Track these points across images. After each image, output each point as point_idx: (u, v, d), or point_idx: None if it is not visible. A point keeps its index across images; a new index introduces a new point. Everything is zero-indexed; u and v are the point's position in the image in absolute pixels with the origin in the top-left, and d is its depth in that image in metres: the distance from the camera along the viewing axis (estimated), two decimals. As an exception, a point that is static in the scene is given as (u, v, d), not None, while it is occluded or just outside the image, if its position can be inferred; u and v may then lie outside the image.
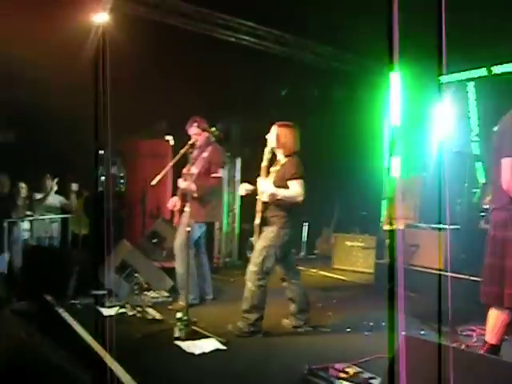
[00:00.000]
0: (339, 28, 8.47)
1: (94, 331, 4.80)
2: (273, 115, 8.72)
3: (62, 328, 5.21)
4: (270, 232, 4.89)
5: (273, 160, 5.09)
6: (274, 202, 4.87)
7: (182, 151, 5.43)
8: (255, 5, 8.10)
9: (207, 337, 4.64)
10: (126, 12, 7.80)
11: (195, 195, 5.54)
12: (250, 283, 4.83)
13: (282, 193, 4.81)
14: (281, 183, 4.83)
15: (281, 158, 5.01)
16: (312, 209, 10.13)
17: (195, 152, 5.82)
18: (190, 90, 8.58)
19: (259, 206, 4.97)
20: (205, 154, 5.62)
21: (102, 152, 8.75)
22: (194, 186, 5.52)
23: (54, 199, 8.24)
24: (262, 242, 4.88)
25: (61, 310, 5.60)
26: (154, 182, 5.32)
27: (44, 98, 7.70)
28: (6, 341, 4.23)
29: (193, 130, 5.87)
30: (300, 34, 9.41)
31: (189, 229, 5.01)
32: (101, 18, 7.46)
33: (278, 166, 4.97)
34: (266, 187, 4.86)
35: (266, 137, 5.06)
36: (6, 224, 6.94)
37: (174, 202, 5.96)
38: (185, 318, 4.66)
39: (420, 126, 9.25)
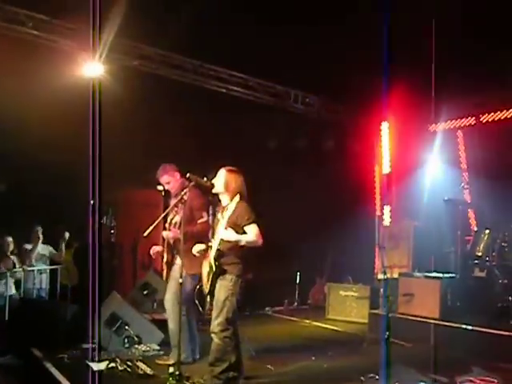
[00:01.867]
0: (330, 78, 8.61)
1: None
2: (262, 166, 8.90)
3: (50, 382, 5.07)
4: (228, 281, 4.77)
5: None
6: (230, 250, 4.78)
7: (175, 202, 5.34)
8: (245, 56, 8.25)
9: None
10: (120, 64, 7.91)
11: (179, 245, 5.28)
12: (215, 336, 4.72)
13: (245, 238, 4.72)
14: (235, 229, 4.74)
15: (227, 203, 4.88)
16: (304, 258, 10.12)
17: (173, 200, 5.67)
18: (181, 141, 8.64)
19: (213, 254, 4.80)
20: (183, 201, 5.20)
21: (92, 202, 8.71)
22: (178, 234, 5.35)
23: (44, 250, 8.13)
24: (222, 292, 4.75)
25: (48, 365, 5.46)
26: (145, 234, 5.23)
27: (35, 148, 7.69)
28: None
29: (164, 179, 5.77)
30: (290, 85, 9.57)
31: (181, 281, 4.91)
32: (94, 69, 7.50)
33: (228, 212, 4.82)
34: (228, 234, 4.71)
35: (213, 181, 4.98)
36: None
37: (154, 250, 5.77)
38: (177, 372, 4.54)
39: (411, 174, 9.31)
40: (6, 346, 6.41)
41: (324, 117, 10.20)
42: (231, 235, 4.70)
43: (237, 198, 4.81)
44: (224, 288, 4.76)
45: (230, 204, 4.83)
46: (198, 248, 4.96)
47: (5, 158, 7.94)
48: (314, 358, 5.90)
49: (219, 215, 4.94)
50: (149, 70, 8.19)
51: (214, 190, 4.97)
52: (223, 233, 4.73)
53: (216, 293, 4.80)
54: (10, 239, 7.60)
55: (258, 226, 4.79)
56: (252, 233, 4.74)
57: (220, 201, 5.01)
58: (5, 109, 7.19)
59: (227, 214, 4.78)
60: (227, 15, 7.59)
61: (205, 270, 4.94)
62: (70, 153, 7.90)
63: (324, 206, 9.64)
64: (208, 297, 4.98)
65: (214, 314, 4.78)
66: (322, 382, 5.09)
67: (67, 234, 8.36)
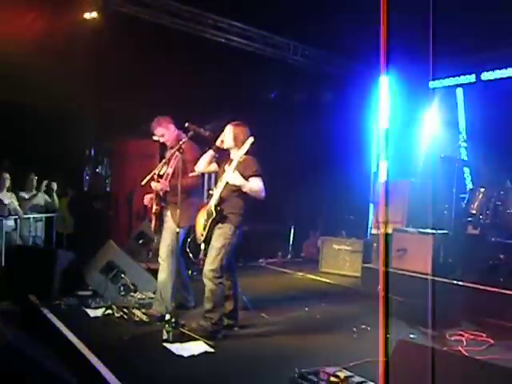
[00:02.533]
0: (330, 31, 8.48)
1: (79, 332, 4.74)
2: (260, 118, 8.84)
3: (47, 329, 5.14)
4: (227, 229, 4.85)
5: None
6: (232, 198, 4.86)
7: (173, 151, 5.32)
8: (245, 6, 8.08)
9: (195, 339, 4.60)
10: (118, 10, 7.75)
11: (170, 196, 5.39)
12: (210, 282, 4.79)
13: (249, 185, 4.78)
14: None
15: (236, 156, 4.85)
16: (298, 212, 10.18)
17: (168, 152, 5.64)
18: (178, 91, 8.55)
19: (215, 201, 4.87)
20: (178, 153, 5.20)
21: (88, 152, 8.69)
22: (165, 185, 5.39)
23: (40, 198, 8.15)
24: (220, 239, 4.83)
25: (46, 311, 5.52)
26: (143, 183, 5.22)
27: (32, 97, 7.60)
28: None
29: (158, 131, 5.68)
30: (290, 37, 9.43)
31: (178, 230, 4.95)
32: (92, 15, 7.37)
33: (234, 162, 4.83)
34: (235, 178, 4.75)
35: (221, 137, 5.02)
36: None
37: (147, 198, 5.69)
38: (173, 320, 4.61)
39: (409, 130, 9.27)
40: (4, 292, 6.52)
41: (323, 70, 10.10)
42: (238, 178, 4.73)
43: (246, 148, 4.78)
44: (222, 235, 4.84)
45: (239, 154, 4.80)
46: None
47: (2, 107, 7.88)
48: (307, 309, 6.01)
49: (226, 166, 4.97)
50: (148, 18, 8.03)
51: (224, 146, 5.01)
52: (230, 175, 4.76)
53: (213, 240, 4.87)
54: (7, 175, 7.57)
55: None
56: (257, 183, 4.81)
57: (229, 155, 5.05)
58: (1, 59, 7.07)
59: (234, 163, 4.80)
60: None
61: (201, 219, 5.00)
62: (67, 101, 7.84)
63: (320, 159, 9.64)
64: (202, 245, 4.96)
65: (208, 260, 4.85)
66: (315, 331, 5.17)
67: (54, 185, 8.30)
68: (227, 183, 4.81)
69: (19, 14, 7.13)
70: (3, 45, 6.84)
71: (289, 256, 10.30)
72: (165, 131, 5.65)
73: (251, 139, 4.81)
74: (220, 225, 4.87)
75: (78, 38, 7.61)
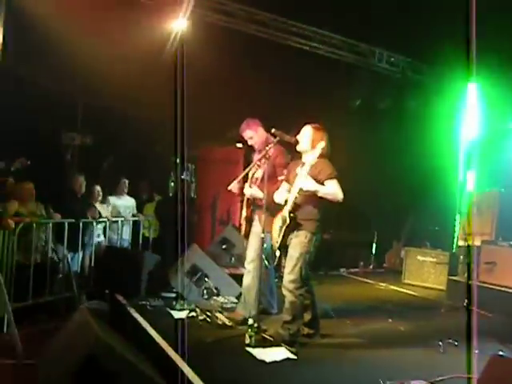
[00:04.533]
0: (415, 37, 8.33)
1: (165, 333, 4.84)
2: (345, 124, 8.78)
3: (134, 328, 5.30)
4: (303, 237, 4.71)
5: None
6: (307, 204, 4.73)
7: (259, 157, 5.28)
8: (330, 14, 8.07)
9: (277, 345, 4.60)
10: (204, 19, 7.92)
11: (261, 202, 5.27)
12: (290, 293, 4.69)
13: (324, 190, 4.64)
14: None
15: (310, 160, 4.68)
16: (382, 221, 10.01)
17: (256, 156, 5.61)
18: (262, 98, 8.62)
19: (289, 207, 4.72)
20: (264, 157, 5.13)
21: (174, 158, 8.90)
22: (259, 192, 5.35)
23: (128, 202, 8.42)
24: (297, 248, 4.70)
25: (132, 311, 5.69)
26: (230, 187, 5.30)
27: (122, 103, 7.88)
28: (81, 338, 4.32)
29: (247, 134, 5.66)
30: (375, 44, 9.33)
31: (263, 235, 4.93)
32: (179, 24, 7.56)
33: (307, 166, 4.66)
34: (308, 183, 4.61)
35: (297, 138, 4.88)
36: (81, 224, 7.11)
37: (236, 186, 5.60)
38: (255, 325, 4.64)
39: (499, 139, 8.91)
40: (94, 291, 6.80)
41: (409, 77, 9.91)
42: (311, 184, 4.62)
43: (318, 152, 4.66)
44: (298, 244, 4.72)
45: (311, 158, 4.68)
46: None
47: (93, 112, 8.22)
48: (390, 321, 5.88)
49: (298, 169, 4.82)
50: (232, 27, 8.17)
51: (298, 148, 4.90)
52: (303, 181, 4.62)
53: (290, 249, 4.77)
54: (98, 188, 7.88)
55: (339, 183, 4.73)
56: (333, 187, 4.68)
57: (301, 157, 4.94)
58: (92, 65, 7.38)
59: (307, 167, 4.66)
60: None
61: (276, 224, 4.91)
62: (155, 109, 8.08)
63: (405, 168, 9.44)
64: (277, 252, 4.87)
65: (286, 270, 4.75)
66: (398, 344, 5.04)
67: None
68: (301, 189, 4.67)
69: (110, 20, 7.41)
70: (95, 50, 7.17)
71: (371, 266, 10.14)
72: (254, 134, 5.64)
73: (323, 143, 4.67)
74: (296, 232, 4.75)
75: (166, 46, 7.85)
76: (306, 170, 4.64)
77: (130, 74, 7.69)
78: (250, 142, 5.72)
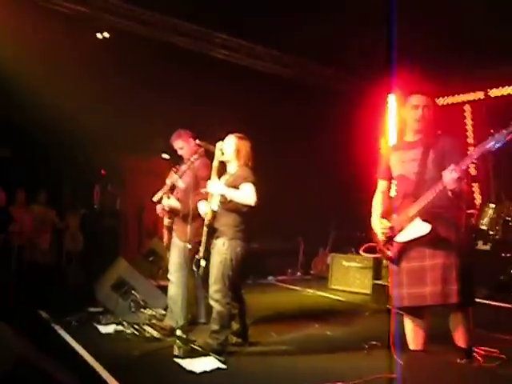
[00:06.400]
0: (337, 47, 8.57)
1: (92, 348, 4.75)
2: (270, 134, 8.91)
3: (59, 344, 5.15)
4: (221, 245, 4.71)
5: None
6: (224, 212, 4.74)
7: (185, 169, 5.33)
8: (251, 23, 8.17)
9: (206, 355, 4.59)
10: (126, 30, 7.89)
11: (180, 212, 5.38)
12: (216, 304, 4.67)
13: (232, 193, 4.64)
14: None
15: (232, 169, 4.86)
16: (307, 229, 10.18)
17: (182, 167, 5.59)
18: (186, 108, 8.62)
19: (207, 216, 4.76)
20: (189, 168, 5.27)
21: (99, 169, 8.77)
22: (176, 203, 5.40)
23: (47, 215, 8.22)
24: (217, 256, 4.70)
25: (57, 327, 5.54)
26: (155, 199, 5.26)
27: (44, 114, 7.68)
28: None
29: (178, 144, 5.66)
30: (299, 54, 9.53)
31: (189, 246, 4.94)
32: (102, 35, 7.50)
33: (228, 176, 4.83)
34: (215, 187, 4.68)
35: (220, 147, 4.87)
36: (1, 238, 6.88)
37: (160, 209, 5.59)
38: (183, 335, 4.62)
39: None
40: (14, 307, 6.55)
41: (330, 86, 10.19)
42: (219, 188, 4.66)
43: (239, 162, 4.78)
44: (217, 252, 4.71)
45: (233, 169, 4.81)
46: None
47: (13, 123, 7.97)
48: (317, 326, 5.96)
49: (222, 179, 4.87)
50: (156, 37, 8.17)
51: (222, 158, 4.90)
52: (212, 185, 4.70)
53: (211, 258, 4.74)
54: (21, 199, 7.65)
55: (256, 189, 4.70)
56: (245, 190, 4.66)
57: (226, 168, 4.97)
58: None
59: (226, 177, 4.77)
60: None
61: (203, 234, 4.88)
62: (78, 119, 7.93)
63: (328, 176, 9.67)
64: (202, 261, 4.75)
65: (210, 280, 4.73)
66: (325, 348, 5.13)
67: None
68: (219, 196, 4.71)
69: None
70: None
71: (298, 273, 10.30)
72: (184, 144, 5.62)
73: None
74: (215, 241, 4.76)
75: (89, 57, 7.74)
76: (223, 181, 4.73)
77: (54, 84, 7.52)
78: (179, 152, 5.71)
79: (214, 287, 4.68)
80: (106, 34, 8.13)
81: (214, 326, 4.70)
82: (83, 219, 8.81)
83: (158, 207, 5.64)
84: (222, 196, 4.71)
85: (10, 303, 6.80)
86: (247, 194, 4.65)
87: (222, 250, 4.69)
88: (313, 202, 9.80)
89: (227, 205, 4.73)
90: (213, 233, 4.76)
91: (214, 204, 4.76)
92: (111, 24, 7.87)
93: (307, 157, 9.72)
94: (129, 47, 8.12)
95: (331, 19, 7.78)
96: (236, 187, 4.69)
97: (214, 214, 4.76)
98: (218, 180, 4.76)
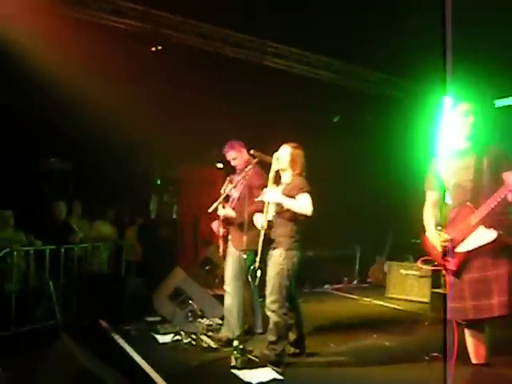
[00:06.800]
0: (391, 53, 8.44)
1: (150, 358, 4.80)
2: (323, 142, 8.85)
3: (118, 354, 5.24)
4: (278, 256, 4.70)
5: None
6: (281, 222, 4.72)
7: (240, 178, 5.36)
8: (304, 32, 8.14)
9: (263, 366, 4.58)
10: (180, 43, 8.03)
11: (235, 222, 5.42)
12: (273, 314, 4.65)
13: (290, 202, 4.62)
14: None
15: (287, 178, 4.86)
16: (364, 236, 10.05)
17: (236, 176, 5.65)
18: (240, 118, 8.67)
19: (265, 224, 4.71)
20: (243, 178, 5.27)
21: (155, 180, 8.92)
22: (232, 212, 5.43)
23: (107, 227, 8.38)
24: (274, 267, 4.69)
25: (116, 336, 5.64)
26: (210, 210, 5.30)
27: (100, 127, 7.88)
28: (63, 365, 4.26)
29: (231, 155, 5.70)
30: (350, 61, 9.45)
31: (245, 256, 4.96)
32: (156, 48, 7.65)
33: (284, 186, 4.82)
34: (273, 196, 4.66)
35: (276, 157, 4.87)
36: (62, 250, 7.04)
37: (216, 225, 5.72)
38: (240, 346, 4.62)
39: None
40: (75, 317, 6.71)
41: (385, 93, 10.07)
42: (277, 197, 4.65)
43: (294, 172, 4.79)
44: (274, 263, 4.71)
45: (288, 179, 4.82)
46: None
47: (73, 138, 8.21)
48: (375, 336, 5.87)
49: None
50: (211, 49, 8.27)
51: (276, 167, 4.90)
52: (270, 194, 4.68)
53: (268, 269, 4.75)
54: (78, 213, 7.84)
55: (312, 199, 4.68)
56: (302, 200, 4.65)
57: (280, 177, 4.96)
58: (70, 90, 7.38)
59: (282, 187, 4.77)
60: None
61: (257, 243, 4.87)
62: (134, 131, 8.09)
63: (385, 183, 9.53)
64: (258, 271, 4.73)
65: (267, 291, 4.73)
66: (384, 359, 5.04)
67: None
68: (272, 205, 4.71)
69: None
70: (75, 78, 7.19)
71: (355, 281, 10.17)
72: (238, 155, 5.66)
73: (294, 173, 4.80)
74: (272, 251, 4.76)
75: (143, 70, 7.89)
76: (280, 188, 4.73)
77: (108, 96, 7.70)
78: (233, 163, 5.75)
79: (271, 298, 4.67)
80: (159, 47, 8.27)
81: (271, 337, 4.68)
82: (141, 230, 8.95)
83: (214, 224, 5.69)
84: (278, 205, 4.71)
85: (71, 314, 6.98)
86: (304, 204, 4.64)
87: (279, 260, 4.67)
88: (369, 208, 9.67)
89: (283, 214, 4.73)
90: (269, 243, 4.75)
91: (270, 214, 4.75)
92: (166, 37, 8.00)
93: (363, 163, 9.59)
94: (182, 59, 8.23)
95: (385, 23, 7.67)
96: (292, 197, 4.68)
97: (270, 224, 4.75)
98: (275, 189, 4.76)
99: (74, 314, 6.95)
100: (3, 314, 6.13)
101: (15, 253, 6.42)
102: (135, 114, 8.00)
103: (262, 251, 4.75)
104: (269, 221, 4.74)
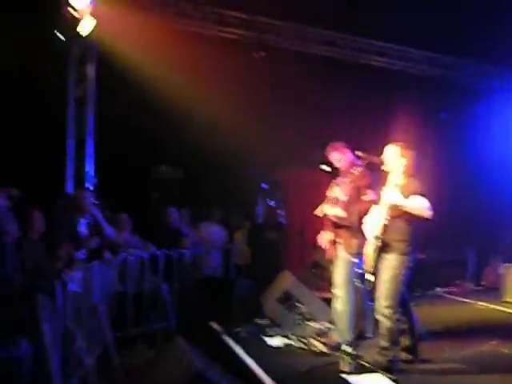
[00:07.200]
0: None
1: (260, 360, 4.86)
2: (431, 140, 8.58)
3: (229, 355, 5.35)
4: (391, 260, 4.59)
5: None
6: (396, 225, 4.59)
7: (346, 178, 5.32)
8: (408, 28, 7.97)
9: (374, 372, 4.51)
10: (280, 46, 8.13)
11: (345, 223, 5.28)
12: (385, 319, 4.55)
13: (411, 204, 4.48)
14: None
15: (396, 180, 4.69)
16: (478, 237, 9.65)
17: (341, 178, 5.58)
18: (344, 119, 8.61)
19: (378, 230, 4.62)
20: (350, 179, 5.24)
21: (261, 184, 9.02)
22: (342, 212, 5.31)
23: (218, 230, 8.58)
24: (388, 271, 4.58)
25: (227, 338, 5.75)
26: (317, 213, 5.30)
27: (208, 134, 8.11)
28: (178, 370, 4.41)
29: (335, 156, 5.60)
30: (459, 55, 9.12)
31: (355, 260, 4.91)
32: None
33: (394, 187, 4.64)
34: (393, 197, 4.53)
35: (383, 157, 4.80)
36: (174, 254, 7.29)
37: (325, 239, 5.56)
38: (351, 351, 4.58)
39: None
40: (187, 320, 6.94)
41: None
42: (397, 198, 4.52)
43: (404, 173, 4.66)
44: (389, 267, 4.61)
45: (398, 181, 4.68)
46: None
47: (184, 146, 8.53)
48: (494, 343, 5.59)
49: (384, 189, 4.78)
50: (307, 51, 8.30)
51: (384, 167, 4.83)
52: (390, 195, 4.57)
53: (381, 273, 4.65)
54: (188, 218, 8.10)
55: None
56: (419, 201, 4.51)
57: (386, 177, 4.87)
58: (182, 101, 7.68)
59: (393, 186, 4.64)
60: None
61: (368, 247, 4.81)
62: (239, 137, 8.26)
63: (500, 183, 9.10)
64: (371, 276, 4.73)
65: (379, 295, 4.64)
66: (502, 368, 4.80)
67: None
68: (388, 208, 4.59)
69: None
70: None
71: (468, 284, 9.77)
72: (342, 156, 5.58)
73: (404, 160, 4.67)
74: (385, 255, 4.65)
75: (245, 77, 8.05)
76: (392, 187, 4.62)
77: (214, 104, 7.91)
78: (336, 165, 5.70)
79: (384, 303, 4.59)
80: (263, 53, 8.38)
81: (383, 343, 4.61)
82: (249, 233, 9.10)
83: (323, 238, 5.60)
84: (394, 208, 4.58)
85: (184, 317, 7.22)
86: (423, 206, 4.52)
87: (393, 265, 4.59)
88: (482, 209, 9.27)
89: (399, 217, 4.61)
90: (382, 246, 4.66)
91: (384, 217, 4.65)
92: (269, 43, 8.11)
93: (476, 163, 9.22)
94: (283, 63, 8.30)
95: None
96: (404, 197, 4.56)
97: (384, 228, 4.65)
98: (394, 190, 4.64)
99: (186, 316, 7.21)
100: (120, 316, 6.45)
101: (131, 256, 6.74)
102: (241, 119, 8.16)
103: (375, 255, 4.68)
104: (384, 224, 4.64)
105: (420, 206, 4.52)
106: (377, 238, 4.65)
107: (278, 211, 9.84)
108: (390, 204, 4.58)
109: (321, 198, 5.65)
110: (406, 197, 4.56)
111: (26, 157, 7.64)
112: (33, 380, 3.68)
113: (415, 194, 4.56)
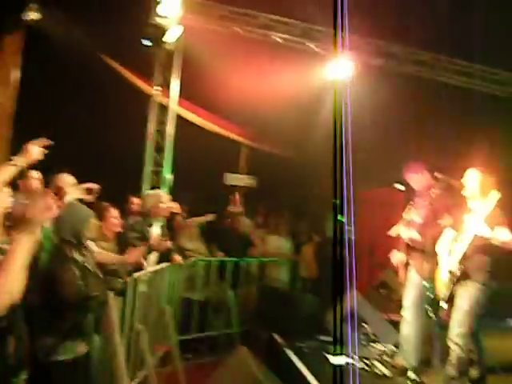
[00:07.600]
0: None
1: (321, 378, 4.81)
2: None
3: (290, 369, 5.32)
4: (474, 289, 4.46)
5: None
6: (477, 253, 4.45)
7: (423, 200, 5.19)
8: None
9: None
10: (364, 63, 8.02)
11: (419, 246, 5.17)
12: (458, 348, 4.43)
13: (501, 237, 4.32)
14: None
15: (477, 207, 4.53)
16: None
17: (417, 199, 5.45)
18: (421, 140, 8.44)
19: (458, 257, 4.51)
20: (427, 201, 5.13)
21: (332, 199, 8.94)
22: (417, 236, 5.19)
23: (286, 243, 8.58)
24: (468, 300, 4.46)
25: (289, 352, 5.73)
26: (392, 233, 5.20)
27: (284, 148, 8.16)
28: (239, 378, 4.43)
29: (413, 177, 5.50)
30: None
31: (427, 284, 4.78)
32: (340, 69, 7.68)
33: (476, 215, 4.49)
34: (484, 230, 4.35)
35: (463, 182, 4.67)
36: (242, 263, 7.35)
37: (398, 259, 5.49)
38: (416, 378, 4.46)
39: None
40: (250, 329, 6.97)
41: None
42: (487, 231, 4.37)
43: (493, 203, 4.47)
44: (469, 296, 4.48)
45: (485, 208, 4.50)
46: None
47: (257, 156, 8.61)
48: None
49: (465, 216, 4.65)
50: (394, 68, 8.17)
51: (465, 193, 4.71)
52: (479, 227, 4.41)
53: (458, 300, 4.54)
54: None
55: None
56: (506, 234, 4.36)
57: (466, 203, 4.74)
58: (256, 109, 7.74)
59: (481, 215, 4.46)
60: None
61: (441, 274, 4.72)
62: (314, 152, 8.24)
63: None
64: (444, 303, 4.65)
65: (455, 323, 4.53)
66: None
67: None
68: (474, 237, 4.45)
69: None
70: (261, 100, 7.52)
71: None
72: (419, 177, 5.49)
73: (497, 193, 4.46)
74: (465, 283, 4.53)
75: (325, 91, 8.02)
76: (480, 217, 4.45)
77: (291, 119, 7.93)
78: (413, 185, 5.59)
79: (459, 331, 4.49)
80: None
81: (452, 372, 4.49)
82: (318, 248, 9.03)
83: (396, 258, 5.51)
84: (479, 239, 4.45)
85: (247, 325, 7.25)
86: (510, 239, 4.37)
87: (474, 294, 4.49)
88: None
89: (482, 246, 4.48)
90: (462, 274, 4.55)
91: (466, 245, 4.53)
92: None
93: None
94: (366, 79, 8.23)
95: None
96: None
97: (465, 256, 4.54)
98: (480, 220, 4.47)
99: (249, 325, 7.23)
100: (186, 319, 6.56)
101: (200, 262, 6.84)
102: (316, 134, 8.15)
103: (455, 283, 4.58)
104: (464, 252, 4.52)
105: (509, 239, 4.37)
106: (457, 265, 4.55)
107: (348, 228, 9.73)
108: (477, 235, 4.45)
109: (393, 218, 5.54)
110: (492, 227, 4.42)
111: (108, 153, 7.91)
112: (100, 376, 3.78)
113: (500, 225, 4.42)
